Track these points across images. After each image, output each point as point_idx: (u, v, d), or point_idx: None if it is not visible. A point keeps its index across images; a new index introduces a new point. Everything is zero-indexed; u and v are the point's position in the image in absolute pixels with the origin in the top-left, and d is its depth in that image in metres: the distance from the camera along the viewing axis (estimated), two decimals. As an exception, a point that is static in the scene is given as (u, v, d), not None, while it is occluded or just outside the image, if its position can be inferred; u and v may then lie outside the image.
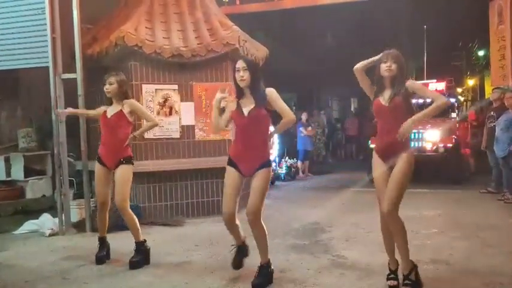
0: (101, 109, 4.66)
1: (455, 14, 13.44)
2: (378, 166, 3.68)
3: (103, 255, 4.58)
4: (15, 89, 7.95)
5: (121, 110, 4.48)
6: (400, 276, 3.67)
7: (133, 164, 4.60)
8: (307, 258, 4.57)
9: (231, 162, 3.82)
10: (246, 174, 3.78)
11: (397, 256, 3.71)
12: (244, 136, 3.76)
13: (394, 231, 3.59)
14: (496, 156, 7.71)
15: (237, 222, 3.86)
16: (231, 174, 3.81)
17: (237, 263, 3.99)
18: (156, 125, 4.86)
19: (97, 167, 4.56)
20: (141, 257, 4.44)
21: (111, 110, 4.53)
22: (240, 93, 3.80)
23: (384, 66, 3.60)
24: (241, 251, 4.02)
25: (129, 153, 4.56)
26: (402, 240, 3.60)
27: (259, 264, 3.83)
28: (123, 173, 4.45)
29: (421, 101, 7.95)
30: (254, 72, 3.73)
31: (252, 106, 3.73)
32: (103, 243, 4.65)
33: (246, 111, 3.74)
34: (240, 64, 3.72)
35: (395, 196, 3.49)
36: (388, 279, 3.71)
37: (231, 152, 3.88)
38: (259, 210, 3.72)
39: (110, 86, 4.47)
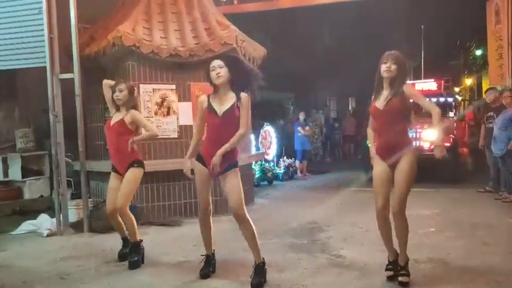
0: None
1: (452, 13, 13.47)
2: (377, 165, 3.72)
3: (125, 253, 4.50)
4: (12, 89, 7.94)
5: (122, 119, 4.42)
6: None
7: (144, 167, 4.55)
8: (305, 257, 4.57)
9: (199, 158, 3.82)
10: (212, 174, 3.78)
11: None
12: (215, 135, 3.75)
13: (400, 229, 3.70)
14: (494, 156, 7.72)
15: (211, 225, 3.98)
16: (198, 170, 3.82)
17: (205, 274, 4.00)
18: (157, 135, 4.89)
19: (112, 176, 4.51)
20: (139, 256, 4.43)
21: (115, 118, 4.48)
22: (214, 92, 3.79)
23: (383, 67, 3.60)
24: (210, 263, 4.07)
25: (137, 156, 4.54)
26: (405, 237, 3.72)
27: (253, 264, 3.82)
28: (132, 176, 4.41)
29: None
30: (234, 69, 3.72)
31: (228, 106, 3.70)
32: (126, 241, 4.59)
33: (220, 110, 3.72)
34: (215, 63, 3.72)
35: (404, 197, 3.61)
36: (386, 269, 3.82)
37: (202, 150, 3.87)
38: (242, 205, 3.71)
39: (121, 93, 4.40)
